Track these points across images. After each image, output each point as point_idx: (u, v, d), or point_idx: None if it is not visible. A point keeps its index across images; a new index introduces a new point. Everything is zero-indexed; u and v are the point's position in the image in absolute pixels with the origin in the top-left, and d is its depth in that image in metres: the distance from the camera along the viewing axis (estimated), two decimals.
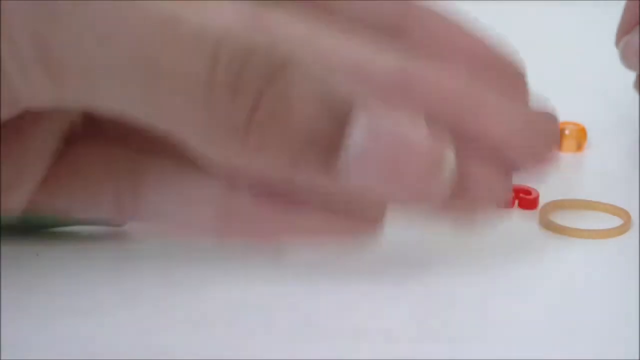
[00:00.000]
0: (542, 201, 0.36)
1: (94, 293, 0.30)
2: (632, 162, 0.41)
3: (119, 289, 0.31)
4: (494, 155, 0.26)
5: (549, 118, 0.28)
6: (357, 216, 0.27)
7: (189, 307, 0.29)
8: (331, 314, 0.28)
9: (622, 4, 0.46)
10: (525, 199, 0.36)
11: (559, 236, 0.34)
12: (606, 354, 0.26)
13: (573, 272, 0.31)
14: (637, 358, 0.26)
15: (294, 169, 0.23)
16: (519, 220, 0.35)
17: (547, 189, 0.37)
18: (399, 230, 0.35)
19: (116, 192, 0.27)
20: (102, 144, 0.27)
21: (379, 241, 0.28)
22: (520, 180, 0.38)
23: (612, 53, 0.47)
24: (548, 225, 0.34)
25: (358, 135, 0.22)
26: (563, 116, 0.45)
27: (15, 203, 0.26)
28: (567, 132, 0.43)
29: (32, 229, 0.33)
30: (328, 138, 0.22)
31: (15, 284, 0.30)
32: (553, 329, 0.27)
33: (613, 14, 0.47)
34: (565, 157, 0.42)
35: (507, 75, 0.27)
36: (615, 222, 0.35)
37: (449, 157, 0.24)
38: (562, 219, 0.34)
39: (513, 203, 0.36)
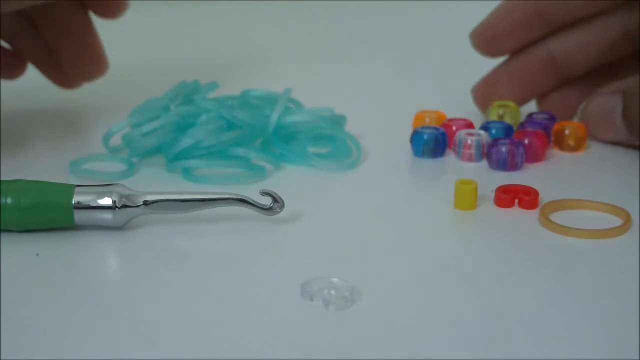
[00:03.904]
0: (542, 201, 0.36)
1: (94, 292, 0.30)
2: (632, 162, 0.41)
3: (119, 288, 0.31)
4: None
5: None
6: None
7: (189, 306, 0.29)
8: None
9: None
10: (525, 199, 0.36)
11: (559, 236, 0.34)
12: (606, 354, 0.26)
13: (573, 272, 0.31)
14: (637, 358, 0.26)
15: None
16: (519, 220, 0.35)
17: (547, 189, 0.37)
18: (398, 231, 0.35)
19: None
20: None
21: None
22: (520, 180, 0.38)
23: None
24: (548, 225, 0.34)
25: None
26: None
27: None
28: (567, 131, 0.43)
29: (32, 229, 0.33)
30: None
31: (15, 284, 0.30)
32: (553, 328, 0.27)
33: None
34: (565, 157, 0.42)
35: None
36: (615, 222, 0.35)
37: None
38: (562, 219, 0.34)
39: (513, 203, 0.36)
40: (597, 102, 0.43)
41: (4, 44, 0.48)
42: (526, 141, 0.41)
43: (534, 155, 0.41)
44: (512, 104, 0.46)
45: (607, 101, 0.43)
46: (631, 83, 0.42)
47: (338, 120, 0.44)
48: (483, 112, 0.47)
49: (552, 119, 0.45)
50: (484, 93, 0.48)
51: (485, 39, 0.47)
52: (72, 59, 0.48)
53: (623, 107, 0.41)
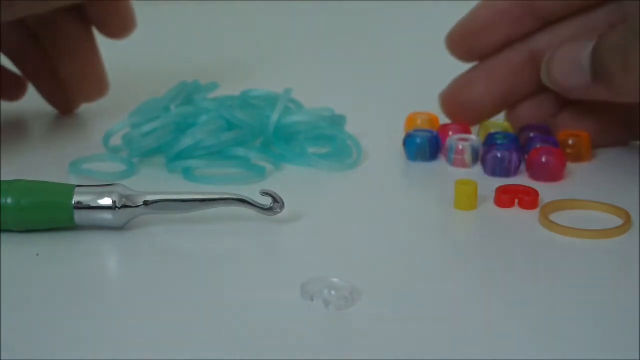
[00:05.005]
0: (542, 201, 0.36)
1: (94, 293, 0.30)
2: (632, 162, 0.41)
3: (119, 288, 0.31)
4: None
5: None
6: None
7: (189, 307, 0.29)
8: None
9: None
10: (525, 199, 0.36)
11: (559, 236, 0.34)
12: (606, 354, 0.26)
13: (573, 272, 0.31)
14: (637, 358, 0.26)
15: None
16: (519, 220, 0.35)
17: (547, 189, 0.37)
18: (398, 231, 0.35)
19: None
20: None
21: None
22: (520, 180, 0.38)
23: None
24: (548, 225, 0.34)
25: None
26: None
27: None
28: (570, 142, 0.42)
29: (32, 229, 0.33)
30: None
31: (15, 284, 0.30)
32: (553, 328, 0.27)
33: None
34: (568, 165, 0.41)
35: None
36: (615, 222, 0.35)
37: None
38: (562, 219, 0.34)
39: (513, 203, 0.36)
40: (564, 47, 0.41)
41: (4, 59, 0.48)
42: (543, 159, 0.39)
43: (553, 175, 0.39)
44: (505, 124, 0.44)
45: (574, 44, 0.40)
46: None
47: (338, 120, 0.44)
48: (452, 120, 0.45)
49: (548, 132, 0.43)
50: (456, 95, 0.45)
51: (463, 37, 0.44)
52: (74, 78, 0.48)
53: (593, 47, 0.39)
